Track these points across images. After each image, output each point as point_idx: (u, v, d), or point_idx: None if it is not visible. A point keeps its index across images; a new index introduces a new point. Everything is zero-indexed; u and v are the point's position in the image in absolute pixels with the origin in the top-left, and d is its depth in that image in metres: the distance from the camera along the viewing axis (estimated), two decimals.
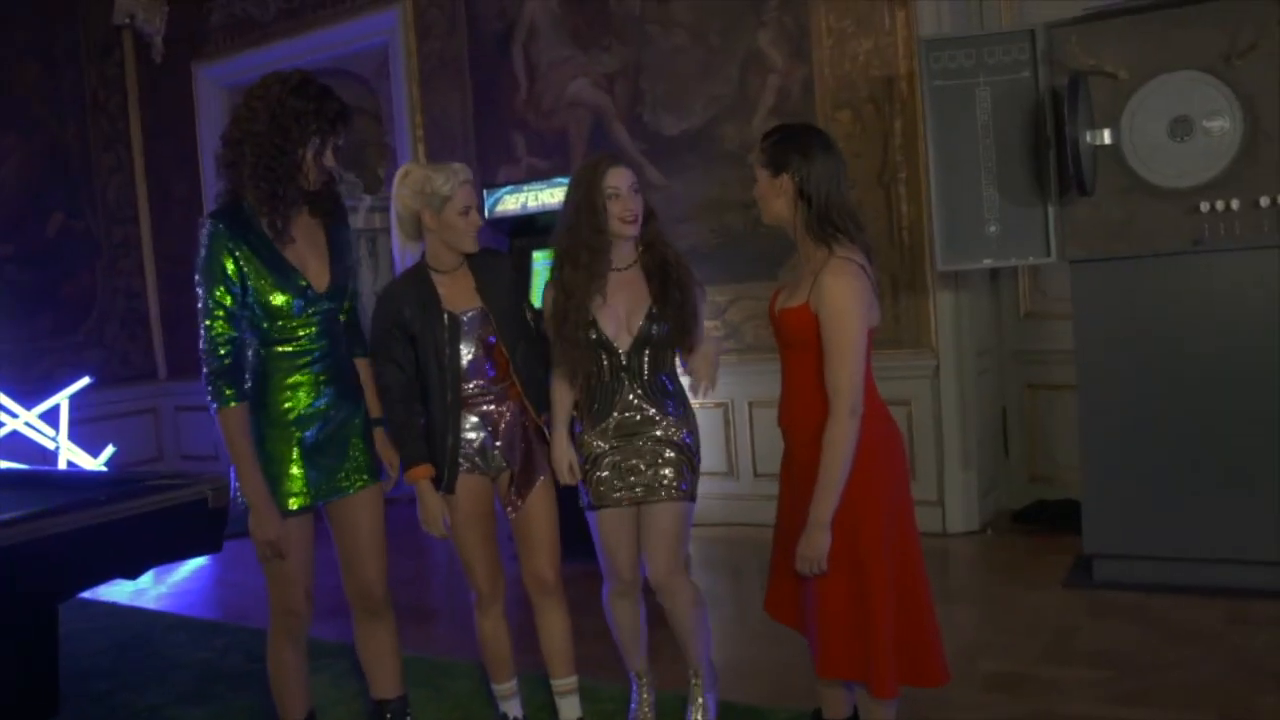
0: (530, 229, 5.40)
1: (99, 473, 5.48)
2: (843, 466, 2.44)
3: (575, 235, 2.86)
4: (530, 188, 5.31)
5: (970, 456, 5.21)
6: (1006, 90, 4.34)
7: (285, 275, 2.68)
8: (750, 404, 5.48)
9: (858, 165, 5.27)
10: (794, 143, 2.55)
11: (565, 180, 5.23)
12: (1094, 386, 4.26)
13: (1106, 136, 4.12)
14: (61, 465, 6.58)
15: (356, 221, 7.00)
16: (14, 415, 6.60)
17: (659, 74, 5.83)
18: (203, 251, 2.63)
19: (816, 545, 2.46)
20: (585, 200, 2.84)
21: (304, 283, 2.71)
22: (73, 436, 6.82)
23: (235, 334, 2.65)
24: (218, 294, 2.62)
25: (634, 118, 5.94)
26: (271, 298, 2.66)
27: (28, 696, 3.37)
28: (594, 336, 2.87)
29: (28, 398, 6.76)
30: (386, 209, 7.00)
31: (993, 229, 4.41)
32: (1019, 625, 3.97)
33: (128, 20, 7.85)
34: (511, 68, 6.35)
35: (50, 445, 6.69)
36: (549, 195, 5.31)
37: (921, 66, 4.49)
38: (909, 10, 5.12)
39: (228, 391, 2.63)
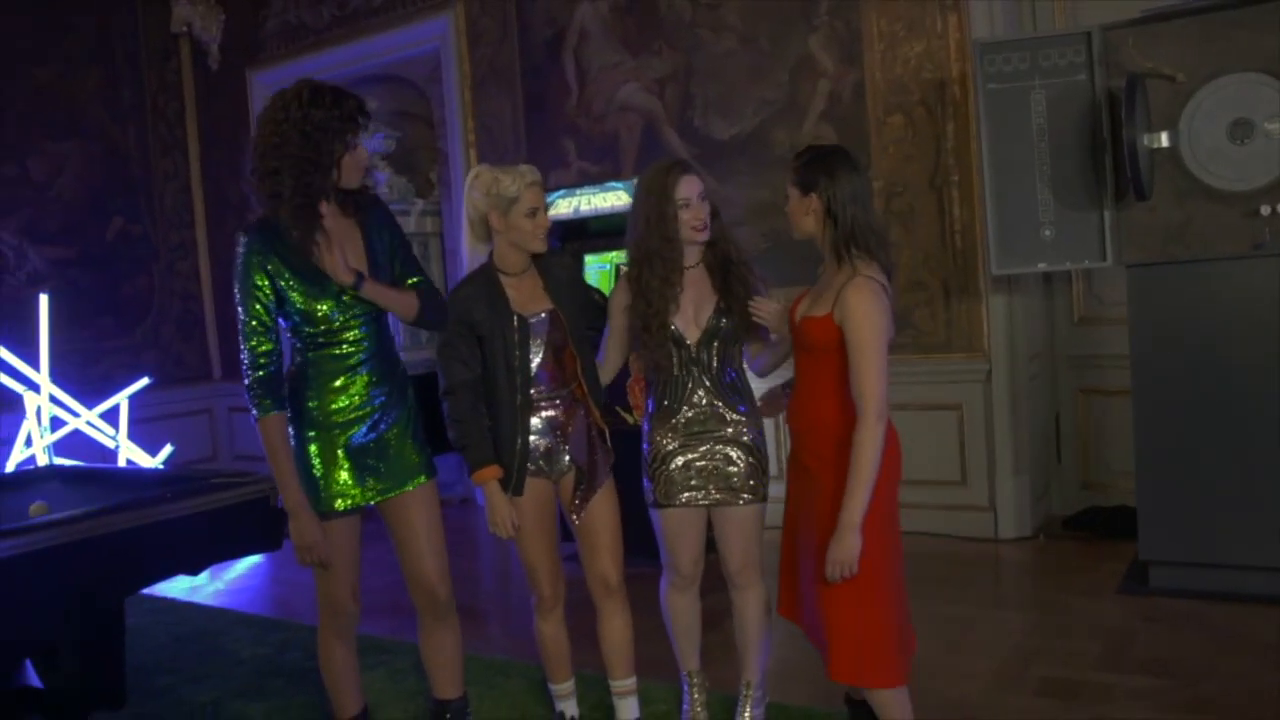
0: (582, 233, 5.43)
1: (162, 470, 5.57)
2: (872, 469, 2.51)
3: (647, 243, 2.90)
4: (582, 192, 5.34)
5: (1022, 462, 5.18)
6: (1061, 93, 4.30)
7: (320, 284, 2.71)
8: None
9: (909, 169, 5.26)
10: (822, 164, 2.64)
11: (618, 185, 5.32)
12: (1149, 392, 4.22)
13: (1164, 139, 4.08)
14: (121, 463, 6.68)
15: (409, 225, 7.06)
16: (75, 414, 6.73)
17: (709, 78, 5.85)
18: (237, 266, 2.68)
19: (849, 548, 2.51)
20: (656, 210, 2.88)
21: (339, 288, 2.73)
22: (132, 435, 6.93)
23: (271, 346, 2.69)
24: (254, 308, 2.67)
25: (685, 122, 5.96)
26: (309, 306, 2.70)
27: (96, 689, 3.46)
28: (664, 329, 2.92)
29: (88, 397, 6.89)
30: (438, 213, 7.08)
31: (1047, 233, 4.37)
32: (1073, 631, 3.94)
33: (185, 28, 8.01)
34: (562, 73, 6.40)
35: (110, 444, 6.81)
36: (600, 199, 5.34)
37: (976, 70, 4.46)
38: (960, 13, 5.10)
39: (266, 401, 2.68)
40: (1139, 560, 4.34)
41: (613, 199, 5.31)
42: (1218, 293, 4.02)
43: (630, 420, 4.76)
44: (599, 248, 5.44)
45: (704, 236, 2.91)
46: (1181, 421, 4.14)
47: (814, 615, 2.67)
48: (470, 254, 3.03)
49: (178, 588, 5.38)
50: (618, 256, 5.26)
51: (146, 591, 5.02)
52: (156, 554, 3.17)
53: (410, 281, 2.90)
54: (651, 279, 2.89)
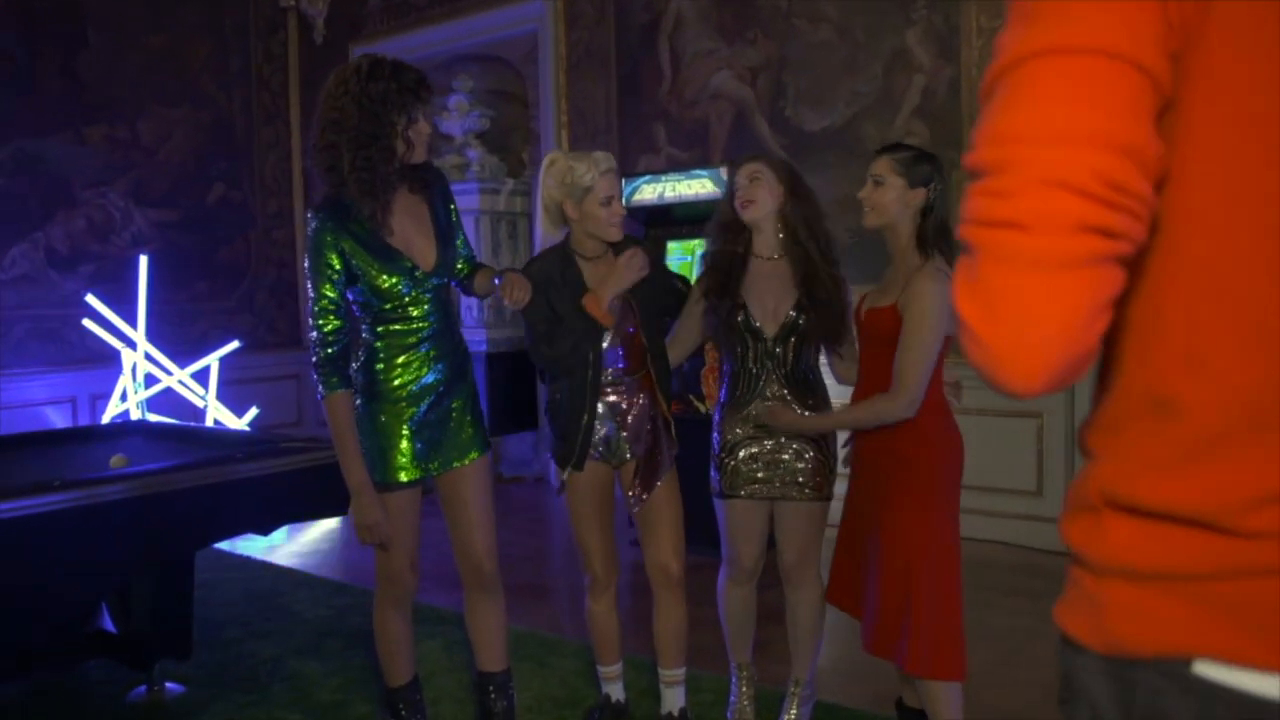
0: (666, 219, 5.42)
1: (242, 432, 5.73)
2: (861, 424, 2.72)
3: (717, 222, 3.03)
4: (669, 178, 5.32)
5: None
6: None
7: (391, 260, 2.72)
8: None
9: None
10: (933, 162, 2.73)
11: (703, 172, 5.31)
12: None
13: None
14: (209, 423, 6.89)
15: (498, 204, 7.11)
16: (169, 373, 6.95)
17: (803, 69, 5.78)
18: (310, 246, 2.69)
19: (790, 424, 2.85)
20: (726, 193, 3.02)
21: (409, 264, 2.74)
22: (220, 396, 7.13)
23: (341, 324, 2.70)
24: (325, 288, 2.67)
25: (776, 112, 5.90)
26: (380, 281, 2.70)
27: (164, 638, 3.58)
28: (741, 319, 2.93)
29: (181, 357, 7.10)
30: (528, 193, 7.12)
31: None
32: None
33: (293, 2, 8.18)
34: (656, 59, 6.39)
35: (200, 404, 7.01)
36: (685, 186, 5.32)
37: None
38: None
39: (334, 379, 2.69)
40: None
41: (698, 186, 5.29)
42: None
43: (702, 409, 4.76)
44: (682, 235, 5.42)
45: (746, 215, 2.92)
46: None
47: (873, 606, 2.68)
48: (544, 239, 3.03)
49: (255, 547, 5.55)
50: (700, 244, 5.24)
51: (223, 548, 5.23)
52: (225, 512, 3.25)
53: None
54: (721, 252, 2.97)
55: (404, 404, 2.79)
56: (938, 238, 2.69)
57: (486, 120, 7.28)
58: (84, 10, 7.34)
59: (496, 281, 2.90)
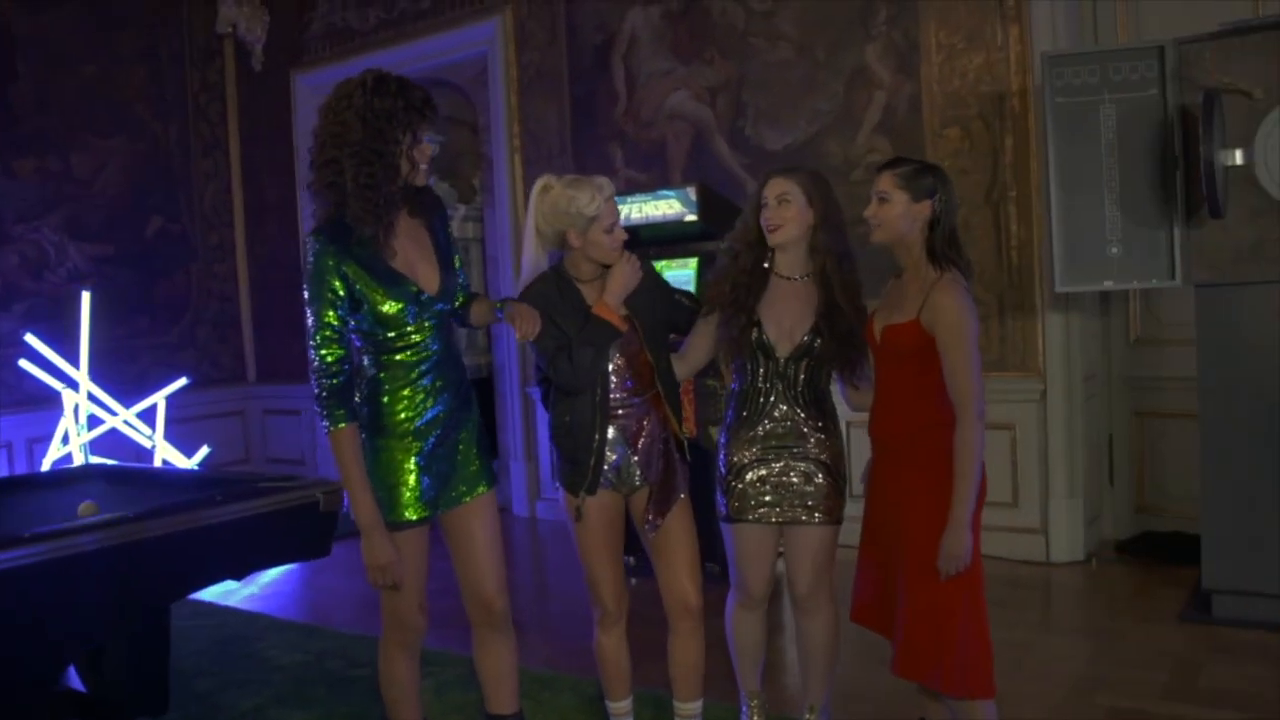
0: (633, 242, 5.30)
1: (205, 472, 5.50)
2: (976, 466, 2.56)
3: (740, 235, 2.98)
4: (634, 199, 5.23)
5: (1075, 484, 5.06)
6: (1132, 108, 4.19)
7: (396, 284, 2.62)
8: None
9: (965, 183, 5.15)
10: (935, 174, 2.74)
11: (670, 193, 5.24)
12: (1217, 416, 4.10)
13: (1239, 157, 3.96)
14: (157, 464, 6.63)
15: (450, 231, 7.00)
16: (113, 413, 6.68)
17: (762, 87, 5.76)
18: (309, 271, 2.58)
19: (961, 543, 2.55)
20: (752, 204, 2.96)
21: (414, 288, 2.65)
22: (166, 436, 6.88)
23: (344, 353, 2.60)
24: (327, 315, 2.57)
25: (735, 131, 5.87)
26: (385, 307, 2.61)
27: (139, 694, 3.38)
28: (755, 335, 2.87)
29: (122, 396, 6.84)
30: (480, 219, 7.02)
31: (1114, 250, 4.25)
32: (1137, 660, 3.82)
33: (230, 29, 7.97)
34: (611, 79, 6.32)
35: (147, 444, 6.76)
36: (652, 207, 5.23)
37: (1044, 82, 4.35)
38: (1022, 25, 5.00)
39: (338, 412, 2.58)
40: (1202, 588, 4.20)
41: (665, 207, 5.20)
42: None
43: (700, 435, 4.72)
44: (650, 257, 5.32)
45: (772, 239, 2.88)
46: (1250, 447, 4.02)
47: (905, 627, 2.65)
48: (533, 264, 2.96)
49: (213, 591, 5.31)
50: (668, 266, 5.17)
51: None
52: (206, 558, 3.12)
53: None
54: (739, 270, 2.93)
55: (411, 438, 2.69)
56: (948, 248, 2.70)
57: (436, 146, 7.13)
58: (12, 40, 7.05)
59: (499, 314, 2.82)
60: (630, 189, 5.87)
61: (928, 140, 5.27)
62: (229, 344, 8.28)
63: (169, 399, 6.94)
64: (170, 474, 4.53)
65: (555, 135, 6.59)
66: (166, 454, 6.77)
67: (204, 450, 7.17)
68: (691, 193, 5.13)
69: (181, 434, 7.22)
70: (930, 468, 2.61)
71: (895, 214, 2.70)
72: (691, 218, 5.12)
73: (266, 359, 8.31)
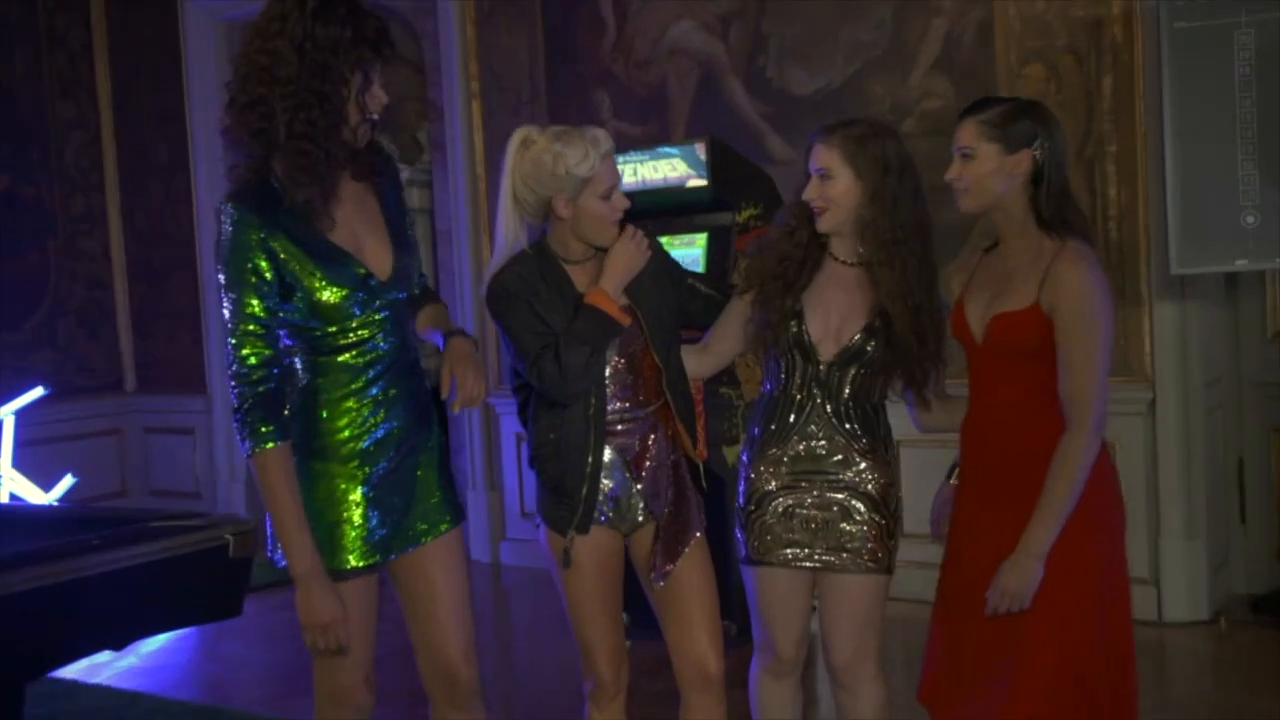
0: (629, 212, 5.26)
1: (78, 509, 5.40)
2: (1074, 488, 2.57)
3: (797, 209, 2.95)
4: (628, 159, 5.16)
5: (1196, 521, 5.06)
6: (1277, 34, 4.16)
7: (339, 264, 2.60)
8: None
9: None
10: (1033, 114, 2.71)
11: (672, 150, 5.19)
12: None
13: None
14: (2, 499, 6.57)
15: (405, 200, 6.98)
16: None
17: (788, 14, 5.75)
18: (225, 247, 2.56)
19: (1028, 577, 2.58)
20: (805, 173, 2.92)
21: (362, 271, 2.63)
22: (18, 463, 6.83)
23: (272, 353, 2.58)
24: (249, 304, 2.54)
25: (754, 71, 5.87)
26: (323, 296, 2.58)
27: None
28: (793, 331, 2.86)
29: None
30: (429, 184, 6.96)
31: (1250, 219, 4.25)
32: None
33: None
34: (595, 5, 6.33)
35: None
36: (650, 169, 5.18)
37: (1161, 1, 4.32)
38: None
39: (264, 429, 2.54)
40: None
41: (665, 169, 5.19)
42: None
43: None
44: (648, 230, 5.27)
45: (821, 225, 2.87)
46: None
47: (1019, 703, 2.62)
48: (510, 241, 2.95)
49: (77, 665, 5.21)
50: (669, 244, 5.10)
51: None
52: (76, 623, 3.02)
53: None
54: (788, 245, 2.93)
55: (356, 463, 2.67)
56: (1059, 207, 2.68)
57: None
58: None
59: (439, 343, 2.82)
60: (622, 146, 5.76)
61: (1001, 81, 5.28)
62: (100, 343, 8.23)
63: (19, 414, 6.91)
64: (25, 512, 4.46)
65: (525, 77, 6.59)
66: (15, 486, 6.72)
67: (67, 480, 7.12)
68: (700, 150, 5.09)
69: (37, 459, 7.16)
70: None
71: (985, 172, 2.67)
72: (699, 182, 5.10)
73: (150, 362, 8.26)
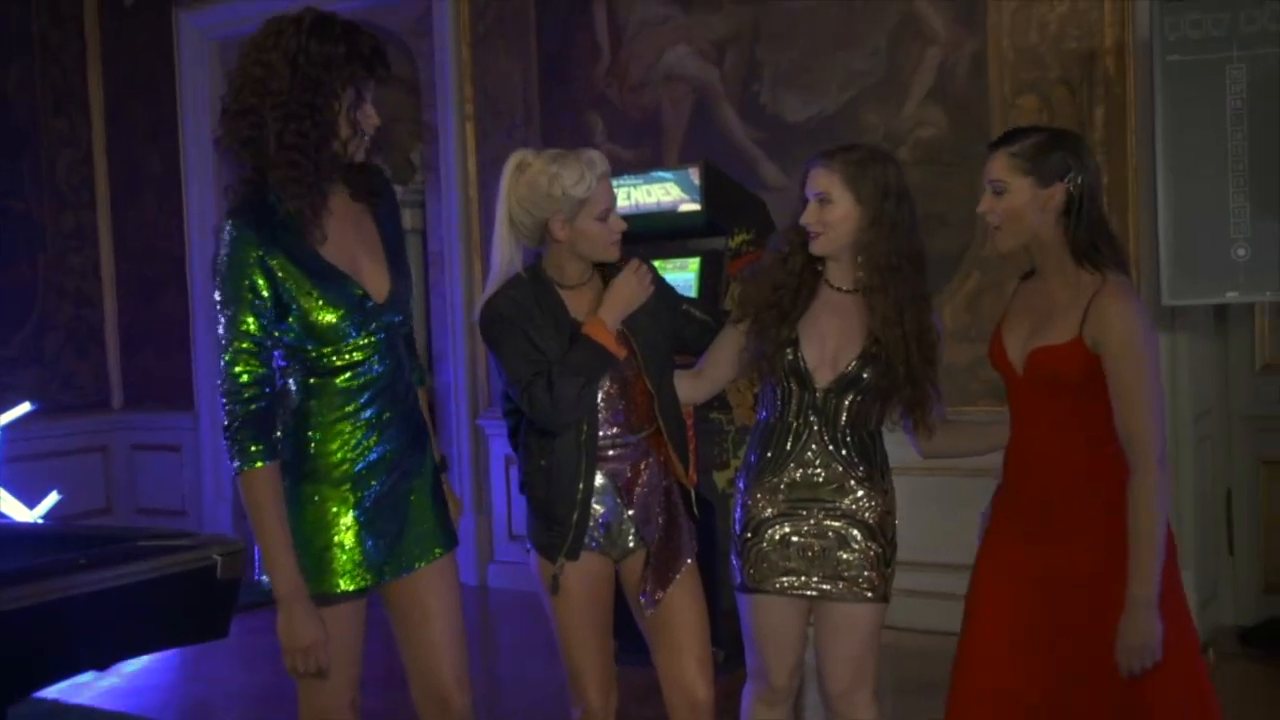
0: (623, 237, 5.28)
1: (63, 527, 5.40)
2: (1160, 525, 2.57)
3: (791, 234, 2.96)
4: (623, 182, 5.16)
5: (1185, 553, 4.95)
6: (1268, 68, 4.19)
7: (336, 284, 2.62)
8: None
9: None
10: (1066, 144, 2.71)
11: (666, 174, 5.22)
12: None
13: None
14: None
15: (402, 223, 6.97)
16: None
17: (783, 42, 5.77)
18: (222, 264, 2.58)
19: (1149, 629, 2.54)
20: (800, 198, 2.93)
21: (359, 292, 2.65)
22: (2, 479, 6.81)
23: (265, 371, 2.59)
24: (245, 321, 2.55)
25: (748, 98, 5.89)
26: (319, 316, 2.60)
27: None
28: (789, 358, 2.86)
29: None
30: (421, 205, 6.95)
31: (1241, 252, 4.25)
32: None
33: None
34: (591, 30, 6.34)
35: None
36: (644, 193, 5.19)
37: (1154, 35, 4.35)
38: None
39: (254, 448, 2.55)
40: None
41: (659, 193, 5.20)
42: None
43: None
44: (640, 255, 5.29)
45: (816, 248, 2.86)
46: None
47: None
48: (506, 264, 2.95)
49: (58, 685, 5.19)
50: (662, 269, 5.11)
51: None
52: (61, 643, 3.04)
53: None
54: (782, 273, 2.93)
55: (348, 486, 2.67)
56: (1096, 240, 2.68)
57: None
58: None
59: None
60: (615, 170, 5.75)
61: (995, 111, 5.31)
62: (88, 359, 8.19)
63: (5, 430, 6.90)
64: (9, 529, 4.46)
65: (519, 100, 6.60)
66: (0, 503, 6.66)
67: (52, 497, 7.08)
68: (693, 175, 5.11)
69: (22, 476, 7.12)
70: (1111, 528, 2.60)
71: (1017, 206, 2.67)
72: (692, 206, 5.12)
73: (138, 380, 8.22)
